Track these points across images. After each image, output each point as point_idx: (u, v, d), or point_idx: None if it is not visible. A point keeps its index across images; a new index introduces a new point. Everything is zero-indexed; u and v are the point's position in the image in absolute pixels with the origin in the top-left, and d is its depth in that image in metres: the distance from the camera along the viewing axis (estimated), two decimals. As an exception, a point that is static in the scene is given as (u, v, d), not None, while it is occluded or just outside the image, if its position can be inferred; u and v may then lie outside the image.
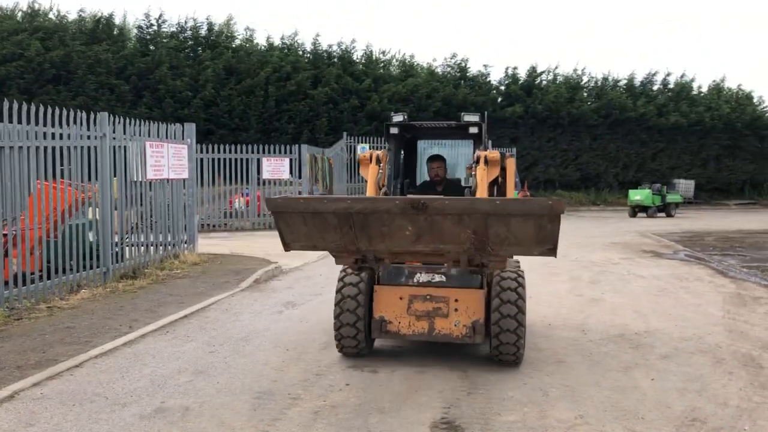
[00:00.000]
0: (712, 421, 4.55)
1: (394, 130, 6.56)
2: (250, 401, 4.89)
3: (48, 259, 8.95)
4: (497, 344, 5.59)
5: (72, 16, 29.81)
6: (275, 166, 20.17)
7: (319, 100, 31.42)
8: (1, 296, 7.64)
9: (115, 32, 29.61)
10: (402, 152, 7.07)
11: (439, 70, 36.40)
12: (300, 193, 21.06)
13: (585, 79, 38.45)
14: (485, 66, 37.09)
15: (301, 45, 34.05)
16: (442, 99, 33.21)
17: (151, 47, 30.36)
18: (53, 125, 8.83)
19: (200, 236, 16.51)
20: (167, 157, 11.82)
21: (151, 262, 11.14)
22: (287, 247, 5.18)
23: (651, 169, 37.13)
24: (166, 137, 11.85)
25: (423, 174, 7.22)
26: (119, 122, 10.38)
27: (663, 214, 28.45)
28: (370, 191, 6.25)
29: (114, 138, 10.31)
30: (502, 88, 36.76)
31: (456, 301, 5.70)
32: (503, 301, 5.56)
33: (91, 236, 10.01)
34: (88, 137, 9.68)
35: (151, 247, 11.50)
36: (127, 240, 10.93)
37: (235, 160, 19.96)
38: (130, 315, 7.64)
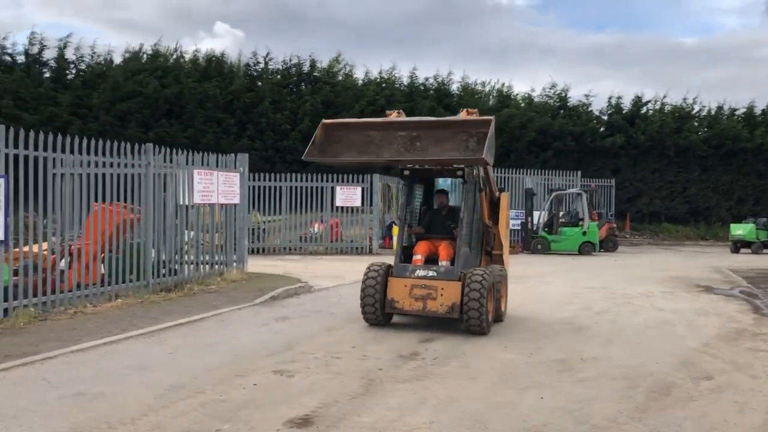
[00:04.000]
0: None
1: (406, 172, 9.04)
2: (161, 393, 5.62)
3: (110, 273, 10.48)
4: (467, 318, 7.98)
5: (189, 56, 32.70)
6: (348, 195, 21.19)
7: (413, 131, 32.19)
8: (40, 300, 8.99)
9: (225, 70, 32.10)
10: (422, 186, 9.58)
11: (537, 99, 36.24)
12: (371, 221, 21.92)
13: (696, 108, 36.84)
14: (587, 96, 36.38)
15: (398, 79, 35.12)
16: (537, 129, 32.99)
17: (259, 83, 32.60)
18: (104, 155, 10.24)
19: (275, 258, 18.17)
20: (216, 184, 13.04)
21: (194, 279, 12.30)
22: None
23: (771, 203, 34.78)
24: (216, 166, 13.10)
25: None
26: (167, 152, 11.72)
27: (768, 251, 26.60)
28: None
29: (165, 166, 11.66)
30: (604, 117, 35.97)
31: (442, 289, 8.19)
32: (471, 290, 7.91)
33: (153, 253, 11.37)
34: (139, 165, 11.05)
35: (200, 265, 12.73)
36: (179, 258, 12.19)
37: (310, 188, 21.23)
38: (132, 321, 8.66)
